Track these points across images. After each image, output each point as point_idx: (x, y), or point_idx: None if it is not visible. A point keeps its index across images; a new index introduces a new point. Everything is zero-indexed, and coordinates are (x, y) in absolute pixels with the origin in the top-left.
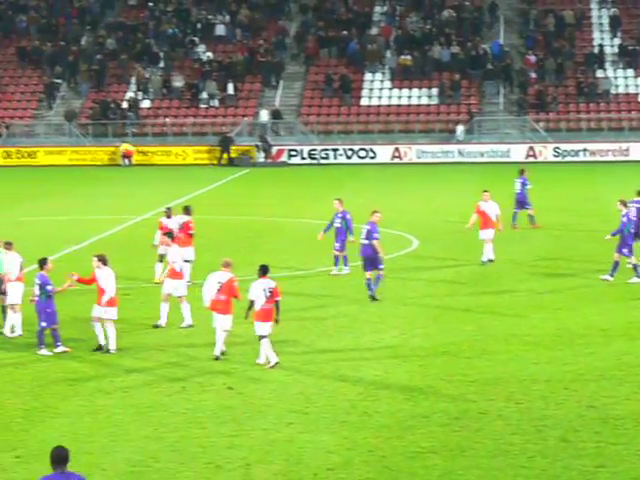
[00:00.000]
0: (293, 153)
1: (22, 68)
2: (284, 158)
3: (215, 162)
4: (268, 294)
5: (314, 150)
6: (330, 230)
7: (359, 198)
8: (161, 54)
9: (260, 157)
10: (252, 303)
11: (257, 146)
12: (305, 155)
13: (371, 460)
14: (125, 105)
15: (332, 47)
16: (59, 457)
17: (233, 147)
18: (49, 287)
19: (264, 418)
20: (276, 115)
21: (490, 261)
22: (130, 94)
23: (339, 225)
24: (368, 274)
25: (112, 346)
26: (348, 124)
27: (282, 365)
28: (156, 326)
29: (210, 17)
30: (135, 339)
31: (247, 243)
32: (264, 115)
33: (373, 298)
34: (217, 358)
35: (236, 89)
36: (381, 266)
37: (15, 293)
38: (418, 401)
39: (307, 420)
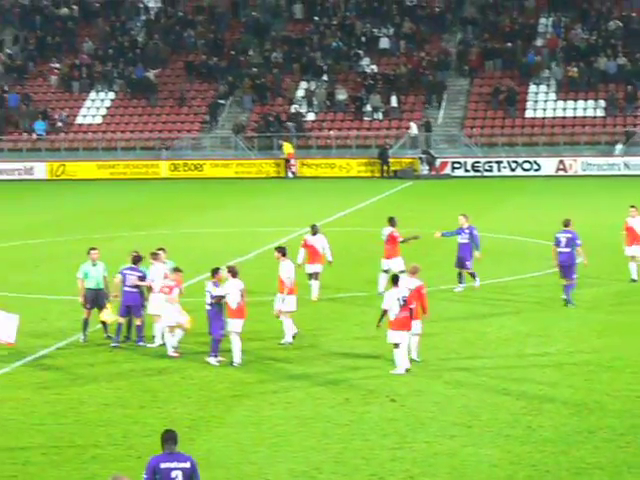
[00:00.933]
0: (457, 165)
1: (190, 82)
2: (448, 170)
3: (378, 175)
4: (402, 303)
5: (478, 162)
6: (448, 237)
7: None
8: (325, 67)
9: (424, 169)
10: (385, 312)
11: (421, 159)
12: (469, 167)
13: (535, 475)
14: (285, 118)
15: (496, 59)
16: (169, 437)
17: (396, 160)
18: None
19: (427, 431)
20: (427, 128)
21: (633, 281)
22: (293, 107)
23: (466, 241)
24: (565, 281)
25: (236, 359)
26: (512, 136)
27: (445, 378)
28: (281, 344)
29: (374, 30)
30: (299, 351)
31: (410, 255)
32: (414, 128)
33: (567, 302)
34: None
35: (400, 102)
36: (574, 275)
37: (158, 303)
38: (583, 416)
39: (470, 433)
